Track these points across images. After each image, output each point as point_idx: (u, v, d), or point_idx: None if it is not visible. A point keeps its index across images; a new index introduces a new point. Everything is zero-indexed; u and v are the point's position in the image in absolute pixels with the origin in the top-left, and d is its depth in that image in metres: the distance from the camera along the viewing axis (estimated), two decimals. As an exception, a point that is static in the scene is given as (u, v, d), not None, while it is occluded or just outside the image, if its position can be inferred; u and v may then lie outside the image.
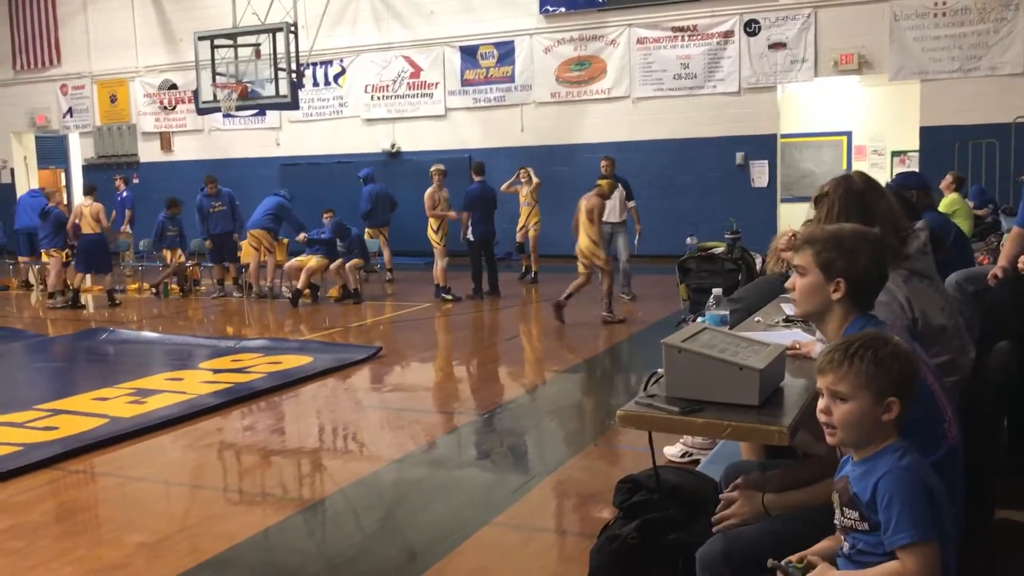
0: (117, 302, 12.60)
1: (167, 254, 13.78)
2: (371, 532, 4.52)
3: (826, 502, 2.25)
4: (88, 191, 13.19)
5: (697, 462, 4.70)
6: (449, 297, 11.95)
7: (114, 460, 5.69)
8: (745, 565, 2.36)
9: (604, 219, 10.29)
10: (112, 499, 5.16)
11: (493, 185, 12.88)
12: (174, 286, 13.65)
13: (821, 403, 2.11)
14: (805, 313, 2.53)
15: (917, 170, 13.95)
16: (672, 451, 5.08)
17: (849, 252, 2.42)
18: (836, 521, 2.15)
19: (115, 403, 6.84)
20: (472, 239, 12.06)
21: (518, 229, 13.80)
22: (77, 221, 12.67)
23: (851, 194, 2.95)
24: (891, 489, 1.99)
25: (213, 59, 14.47)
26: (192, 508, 4.96)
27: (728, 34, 15.43)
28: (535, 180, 13.58)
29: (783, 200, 15.87)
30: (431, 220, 12.30)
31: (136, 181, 18.97)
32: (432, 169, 12.55)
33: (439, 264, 12.25)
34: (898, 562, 1.98)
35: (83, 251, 12.53)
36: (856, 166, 17.12)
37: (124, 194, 16.18)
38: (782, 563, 2.14)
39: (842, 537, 2.15)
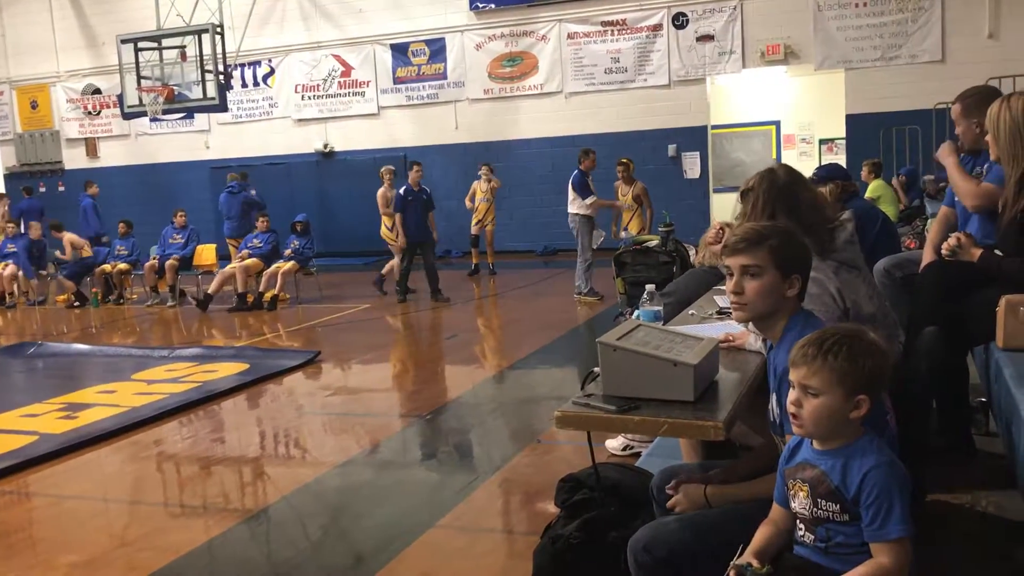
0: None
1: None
2: (316, 539, 4.47)
3: (767, 495, 2.28)
4: None
5: (638, 455, 4.74)
6: (404, 296, 12.03)
7: (46, 478, 5.54)
8: (663, 554, 2.38)
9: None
10: (44, 519, 5.01)
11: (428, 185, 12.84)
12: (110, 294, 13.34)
13: (792, 395, 2.11)
14: (758, 315, 2.45)
15: (844, 158, 14.30)
16: (614, 444, 5.12)
17: (800, 247, 2.48)
18: (802, 511, 2.14)
19: (45, 419, 6.66)
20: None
21: (473, 224, 13.94)
22: None
23: (775, 188, 2.99)
24: (881, 483, 2.00)
25: (137, 62, 14.17)
26: (131, 523, 4.85)
27: (657, 28, 15.59)
28: (494, 181, 14.04)
29: (715, 191, 16.11)
30: (384, 219, 12.68)
31: (61, 188, 18.49)
32: (382, 170, 12.99)
33: (394, 262, 12.41)
34: (875, 560, 2.00)
35: None
36: (785, 155, 17.47)
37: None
38: (743, 564, 2.12)
39: (802, 527, 2.15)
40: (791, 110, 17.43)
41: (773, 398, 2.42)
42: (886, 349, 2.11)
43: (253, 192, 14.17)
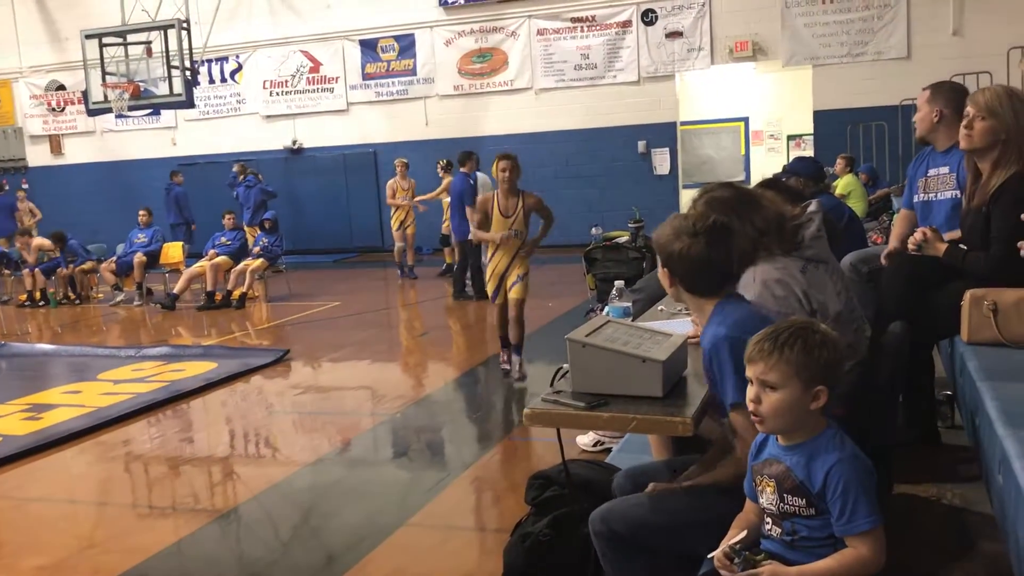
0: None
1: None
2: (286, 539, 4.44)
3: (727, 481, 2.33)
4: None
5: (609, 450, 4.75)
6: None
7: (9, 480, 5.46)
8: (619, 528, 2.47)
9: None
10: (7, 521, 4.94)
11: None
12: (71, 294, 13.15)
13: (750, 392, 2.12)
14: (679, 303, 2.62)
15: (812, 153, 14.42)
16: (584, 440, 5.13)
17: (662, 246, 2.53)
18: (769, 506, 2.16)
19: (8, 420, 6.57)
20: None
21: (445, 222, 13.79)
22: None
23: (726, 204, 2.92)
24: (845, 478, 2.02)
25: (102, 58, 14.00)
26: (98, 525, 4.79)
27: (626, 24, 15.63)
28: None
29: (685, 186, 16.18)
30: (396, 212, 13.49)
31: (25, 186, 18.23)
32: (396, 161, 13.69)
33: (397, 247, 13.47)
34: (853, 549, 2.02)
35: None
36: (754, 151, 17.61)
37: None
38: (737, 549, 2.13)
39: (769, 521, 2.17)
40: (759, 106, 17.56)
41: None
42: (837, 339, 2.13)
43: (263, 182, 14.98)
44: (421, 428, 6.35)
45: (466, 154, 11.28)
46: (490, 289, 6.97)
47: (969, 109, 3.57)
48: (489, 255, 6.92)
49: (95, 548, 4.35)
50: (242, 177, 15.10)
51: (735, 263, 2.52)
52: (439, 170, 13.16)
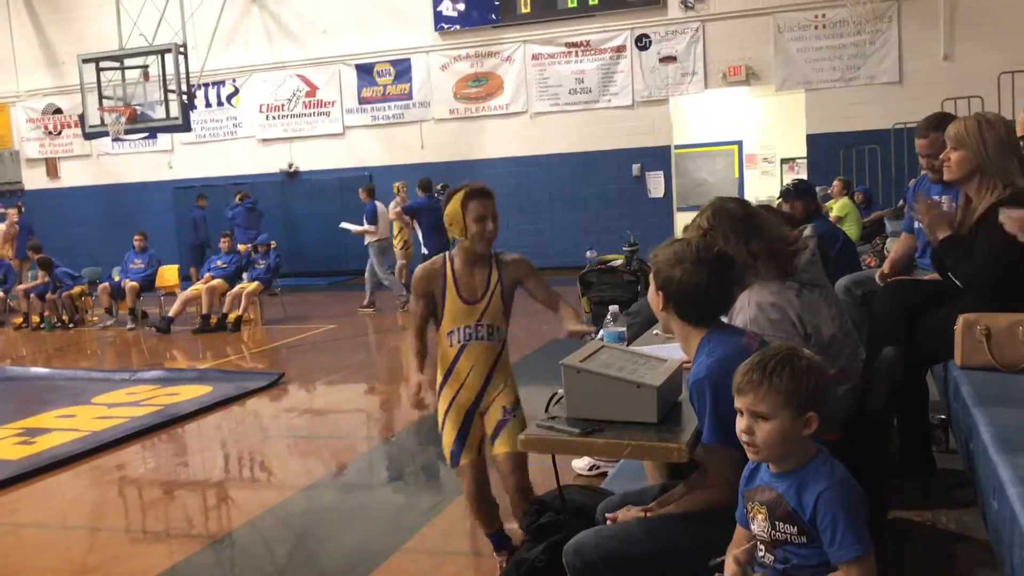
0: None
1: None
2: (282, 564, 4.42)
3: (698, 508, 2.39)
4: None
5: (605, 475, 4.75)
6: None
7: (3, 505, 5.43)
8: (592, 559, 2.47)
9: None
10: (1, 547, 4.92)
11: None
12: (64, 317, 13.12)
13: (741, 423, 2.11)
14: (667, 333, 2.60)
15: (805, 176, 14.50)
16: (580, 464, 5.12)
17: (660, 270, 2.53)
18: (761, 533, 2.16)
19: (2, 444, 6.54)
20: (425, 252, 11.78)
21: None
22: None
23: (735, 220, 2.97)
24: (834, 505, 2.02)
25: (99, 82, 14.06)
26: (92, 550, 4.77)
27: (620, 49, 15.74)
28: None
29: (679, 209, 16.25)
30: (400, 231, 13.43)
31: (22, 209, 18.19)
32: (397, 184, 13.62)
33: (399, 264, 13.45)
34: (842, 574, 2.03)
35: None
36: (748, 175, 17.67)
37: None
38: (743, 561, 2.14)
39: (762, 548, 2.16)
40: (753, 130, 17.65)
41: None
42: (822, 363, 2.13)
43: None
44: (416, 451, 6.34)
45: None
46: (448, 441, 3.80)
47: (946, 141, 3.67)
48: (439, 380, 3.76)
49: (89, 573, 4.33)
50: (239, 199, 15.15)
51: (731, 293, 2.54)
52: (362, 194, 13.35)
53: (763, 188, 16.63)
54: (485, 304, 3.61)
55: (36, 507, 5.46)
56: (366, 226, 12.92)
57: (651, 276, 2.57)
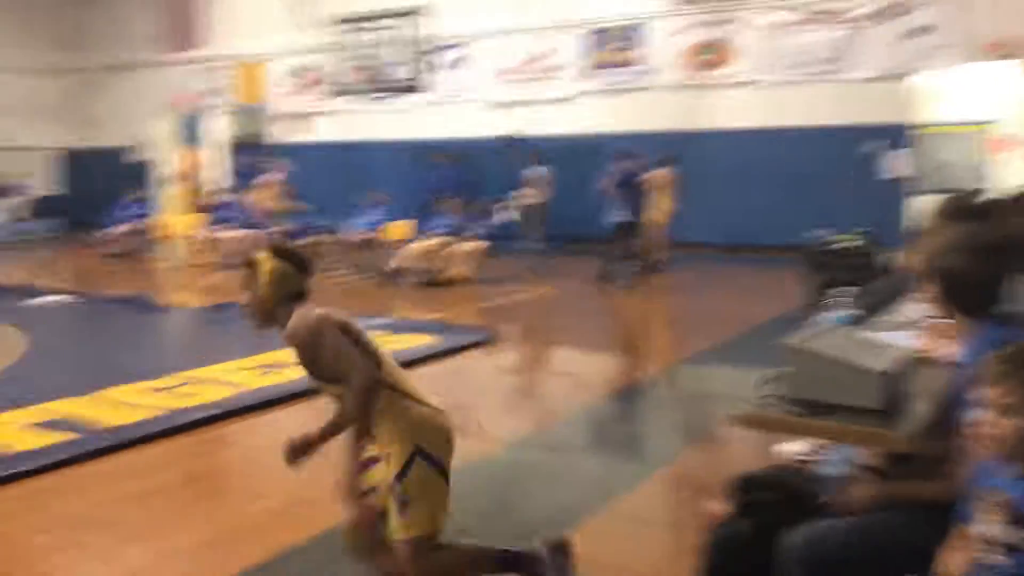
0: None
1: None
2: (484, 510, 4.56)
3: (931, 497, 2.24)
4: None
5: (816, 462, 4.58)
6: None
7: (240, 431, 5.95)
8: (820, 550, 2.37)
9: None
10: (237, 469, 5.40)
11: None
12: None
13: (983, 415, 1.99)
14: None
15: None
16: (790, 448, 4.97)
17: (933, 258, 2.35)
18: (989, 535, 2.02)
19: (245, 375, 7.15)
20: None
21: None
22: None
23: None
24: None
25: (346, 43, 14.83)
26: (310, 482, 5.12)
27: (865, 18, 14.85)
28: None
29: (915, 192, 15.18)
30: None
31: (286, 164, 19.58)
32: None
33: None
34: None
35: None
36: (1001, 158, 16.28)
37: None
38: None
39: (990, 552, 2.03)
40: (1017, 109, 16.15)
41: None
42: None
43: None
44: (623, 418, 6.36)
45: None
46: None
47: None
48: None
49: (307, 505, 4.66)
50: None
51: (1012, 283, 2.35)
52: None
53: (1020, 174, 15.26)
54: None
55: (268, 434, 5.92)
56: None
57: (919, 262, 2.40)
